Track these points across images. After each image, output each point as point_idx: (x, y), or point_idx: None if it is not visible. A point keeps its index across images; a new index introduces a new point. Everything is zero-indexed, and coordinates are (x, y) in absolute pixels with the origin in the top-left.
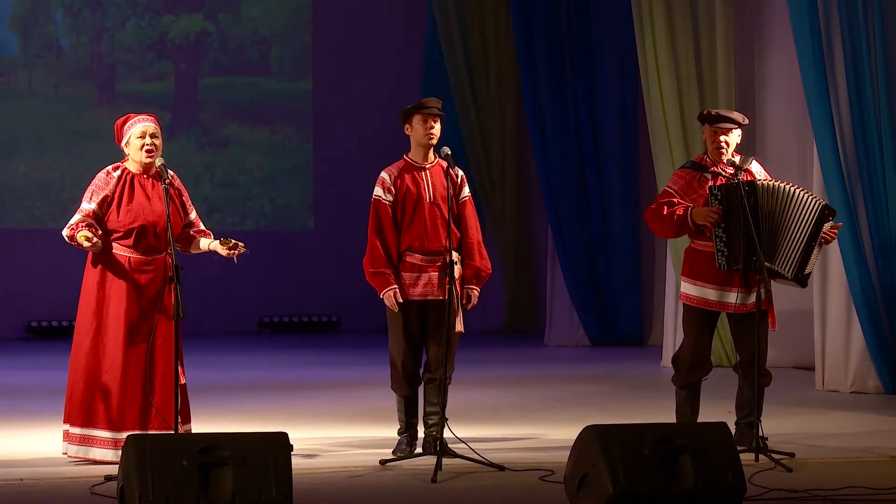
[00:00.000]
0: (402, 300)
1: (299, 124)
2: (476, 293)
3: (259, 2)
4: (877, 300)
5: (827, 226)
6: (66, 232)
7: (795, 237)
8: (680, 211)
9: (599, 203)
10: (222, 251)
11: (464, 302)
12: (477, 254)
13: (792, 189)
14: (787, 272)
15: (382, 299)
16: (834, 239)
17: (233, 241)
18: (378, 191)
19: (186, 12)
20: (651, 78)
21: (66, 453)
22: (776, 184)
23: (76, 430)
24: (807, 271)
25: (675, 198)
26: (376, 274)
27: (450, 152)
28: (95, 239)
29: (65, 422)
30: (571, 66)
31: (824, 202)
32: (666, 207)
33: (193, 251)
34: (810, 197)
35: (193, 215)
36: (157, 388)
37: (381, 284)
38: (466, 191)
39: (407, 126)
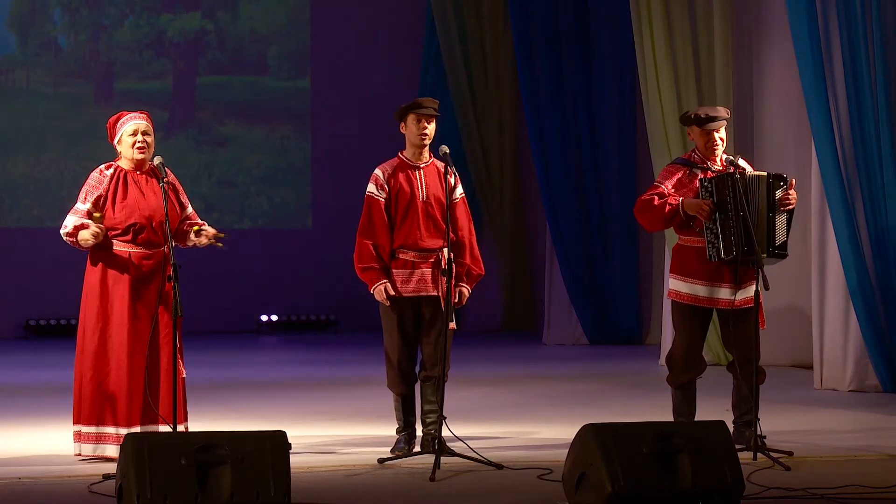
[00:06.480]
0: (393, 293)
1: (297, 123)
2: (467, 291)
3: (257, 0)
4: (875, 298)
5: (779, 192)
6: (66, 231)
7: (758, 216)
8: (672, 201)
9: (597, 201)
10: (202, 243)
11: (454, 301)
12: (468, 254)
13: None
14: (762, 252)
15: (373, 295)
16: (792, 203)
17: (205, 234)
18: (371, 188)
19: (184, 11)
20: (649, 77)
21: (78, 454)
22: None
23: (89, 429)
24: (777, 243)
25: (665, 189)
26: (366, 269)
27: (448, 151)
28: (97, 230)
29: (75, 423)
30: (569, 65)
31: (768, 172)
32: (657, 198)
33: (189, 244)
34: (757, 175)
35: (190, 210)
36: (162, 383)
37: (371, 280)
38: (459, 191)
39: (402, 125)
